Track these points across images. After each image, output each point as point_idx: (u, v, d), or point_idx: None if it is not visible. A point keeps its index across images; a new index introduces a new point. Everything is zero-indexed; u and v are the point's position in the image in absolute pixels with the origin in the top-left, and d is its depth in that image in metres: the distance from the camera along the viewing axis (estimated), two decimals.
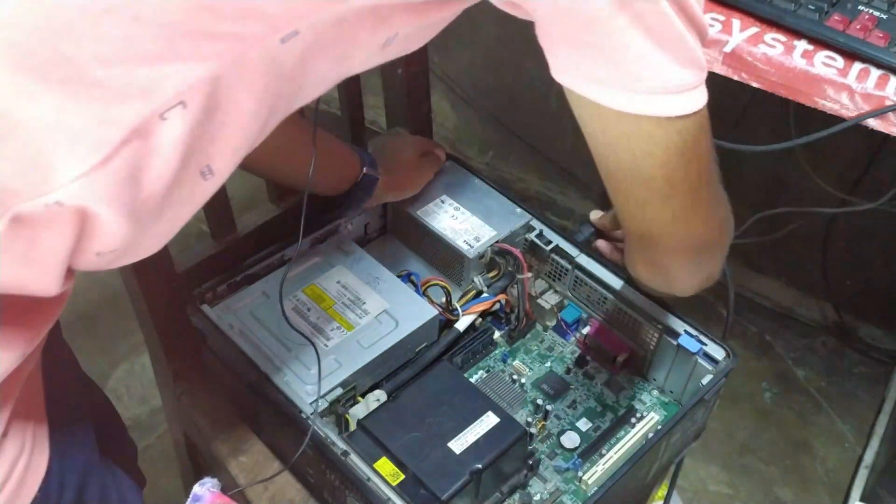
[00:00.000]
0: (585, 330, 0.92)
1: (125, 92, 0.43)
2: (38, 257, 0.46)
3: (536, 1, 0.49)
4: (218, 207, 0.91)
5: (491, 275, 0.93)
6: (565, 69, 0.51)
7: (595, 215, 0.89)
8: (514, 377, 0.90)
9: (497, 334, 0.93)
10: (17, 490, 0.57)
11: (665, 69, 0.49)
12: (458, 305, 0.90)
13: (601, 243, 0.89)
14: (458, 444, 0.75)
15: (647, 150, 0.53)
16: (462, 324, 0.89)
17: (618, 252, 0.87)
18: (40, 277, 0.48)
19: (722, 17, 0.80)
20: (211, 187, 0.51)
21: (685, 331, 0.84)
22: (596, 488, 0.77)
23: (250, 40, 0.45)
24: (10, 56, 0.42)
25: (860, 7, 0.79)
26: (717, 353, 0.83)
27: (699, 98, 0.52)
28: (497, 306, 0.92)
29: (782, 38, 0.79)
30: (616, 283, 0.89)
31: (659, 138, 0.52)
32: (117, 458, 0.84)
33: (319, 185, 0.90)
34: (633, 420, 0.87)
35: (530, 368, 0.92)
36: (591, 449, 0.84)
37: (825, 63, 0.77)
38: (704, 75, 0.52)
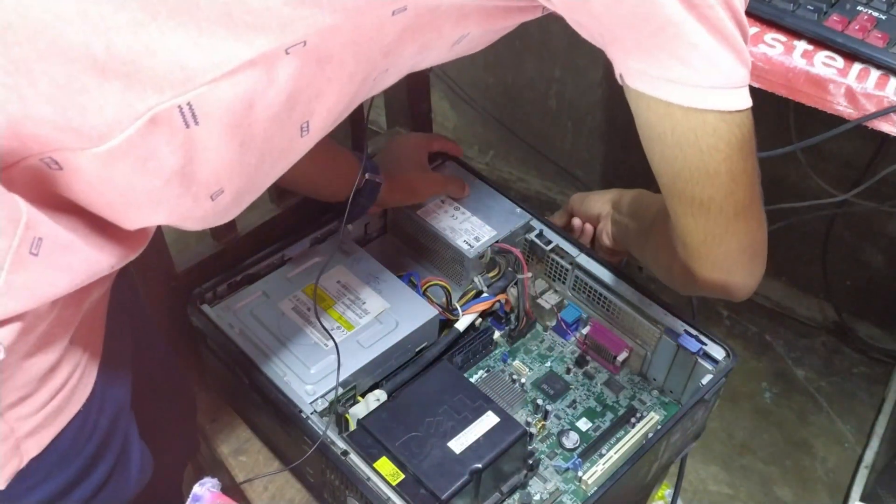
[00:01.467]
0: (585, 330, 0.92)
1: (267, 23, 0.48)
2: (152, 169, 0.50)
3: (609, 17, 0.54)
4: None
5: (491, 275, 0.93)
6: (638, 75, 0.56)
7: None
8: (514, 377, 0.90)
9: (497, 334, 0.93)
10: (68, 397, 0.60)
11: (727, 65, 0.55)
12: (458, 305, 0.90)
13: (576, 221, 0.96)
14: (458, 444, 0.75)
15: (712, 143, 0.58)
16: (462, 324, 0.89)
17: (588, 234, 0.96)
18: (144, 194, 0.52)
19: None
20: (303, 146, 0.57)
21: (685, 331, 0.84)
22: (596, 488, 0.77)
23: (372, 3, 0.50)
24: None
25: (859, 7, 0.79)
26: (717, 352, 0.83)
27: (748, 95, 0.58)
28: (497, 306, 0.92)
29: (782, 38, 0.79)
30: (616, 282, 0.89)
31: (723, 132, 0.57)
32: (167, 415, 0.87)
33: (322, 191, 0.90)
34: (633, 420, 0.87)
35: (530, 368, 0.92)
36: (591, 449, 0.84)
37: (825, 63, 0.77)
38: (748, 73, 0.57)
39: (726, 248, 0.65)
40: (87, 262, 0.54)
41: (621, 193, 0.89)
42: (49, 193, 0.51)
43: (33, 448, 0.58)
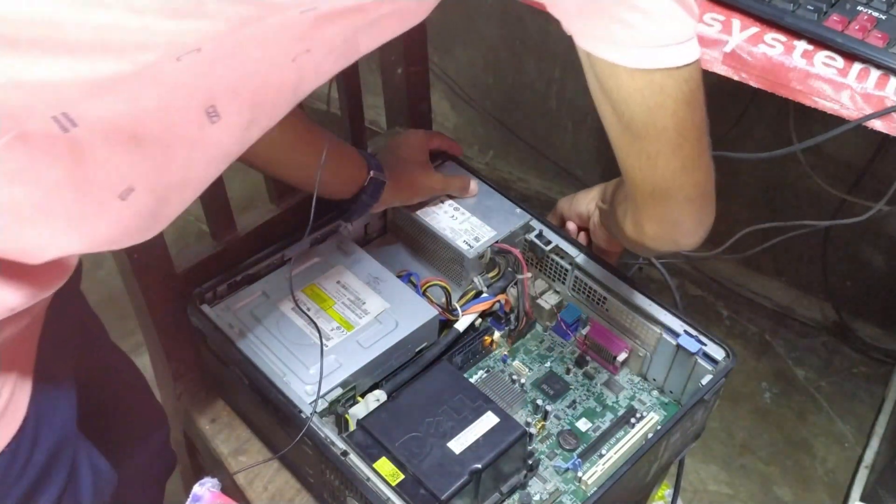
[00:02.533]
0: (585, 330, 0.92)
1: (151, 41, 0.45)
2: (30, 179, 0.47)
3: None
4: (217, 207, 0.91)
5: (491, 275, 0.93)
6: (583, 36, 0.56)
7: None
8: (514, 377, 0.90)
9: (497, 334, 0.93)
10: None
11: (673, 21, 0.54)
12: (457, 305, 0.90)
13: (570, 225, 0.95)
14: (458, 444, 0.75)
15: (659, 101, 0.57)
16: (462, 324, 0.89)
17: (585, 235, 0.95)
18: (31, 207, 0.49)
19: (722, 18, 0.80)
20: (223, 136, 0.53)
21: (685, 331, 0.84)
22: (595, 488, 0.77)
23: (275, 8, 0.48)
24: None
25: (859, 7, 0.79)
26: (717, 353, 0.83)
27: (696, 46, 0.57)
28: (497, 306, 0.92)
29: (782, 38, 0.79)
30: (616, 283, 0.89)
31: (670, 89, 0.57)
32: (136, 434, 0.85)
33: (325, 189, 0.90)
34: (633, 420, 0.87)
35: (530, 368, 0.92)
36: (591, 449, 0.84)
37: (825, 63, 0.77)
38: (696, 23, 0.57)
39: (673, 201, 0.65)
40: None
41: (605, 185, 0.89)
42: None
43: None
